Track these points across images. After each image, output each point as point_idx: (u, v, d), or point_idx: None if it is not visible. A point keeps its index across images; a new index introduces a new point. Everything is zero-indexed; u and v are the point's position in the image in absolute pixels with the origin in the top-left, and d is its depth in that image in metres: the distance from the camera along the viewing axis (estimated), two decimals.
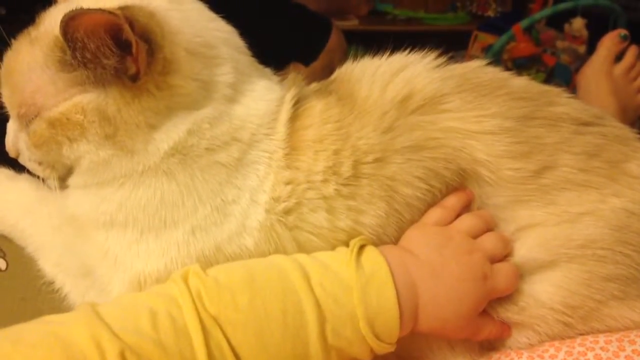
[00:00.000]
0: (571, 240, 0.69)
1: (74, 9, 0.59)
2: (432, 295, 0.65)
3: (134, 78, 0.63)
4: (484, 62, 0.78)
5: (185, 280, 0.61)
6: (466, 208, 0.72)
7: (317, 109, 0.72)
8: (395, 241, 0.70)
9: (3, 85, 0.70)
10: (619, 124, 0.78)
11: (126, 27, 0.59)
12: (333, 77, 0.79)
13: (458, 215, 0.71)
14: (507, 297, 0.70)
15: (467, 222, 0.71)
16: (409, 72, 0.74)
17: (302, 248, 0.68)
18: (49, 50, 0.65)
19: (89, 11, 0.59)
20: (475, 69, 0.77)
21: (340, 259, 0.64)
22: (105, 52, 0.62)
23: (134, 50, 0.61)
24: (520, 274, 0.70)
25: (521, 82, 0.76)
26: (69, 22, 0.59)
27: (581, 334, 0.69)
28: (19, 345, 0.52)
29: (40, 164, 0.71)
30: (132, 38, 0.60)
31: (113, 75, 0.63)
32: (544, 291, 0.69)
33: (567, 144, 0.72)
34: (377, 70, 0.75)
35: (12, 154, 0.73)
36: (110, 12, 0.59)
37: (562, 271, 0.69)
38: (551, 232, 0.70)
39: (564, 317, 0.68)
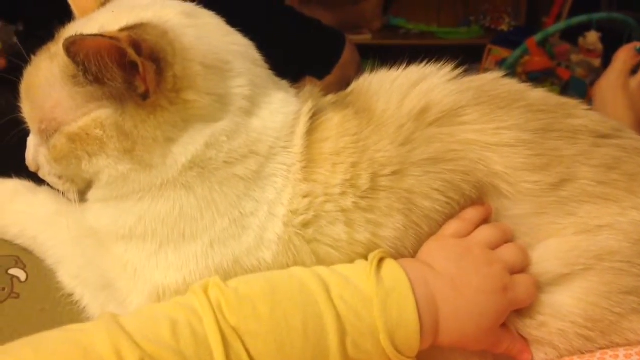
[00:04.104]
0: (588, 251, 0.68)
1: (74, 34, 0.60)
2: (452, 308, 0.65)
3: (144, 96, 0.64)
4: (500, 74, 0.78)
5: (206, 291, 0.61)
6: (484, 221, 0.72)
7: (334, 121, 0.72)
8: (414, 254, 0.70)
9: (24, 101, 0.71)
10: (637, 136, 0.78)
11: (130, 50, 0.60)
12: (350, 89, 0.79)
13: (476, 228, 0.71)
14: (526, 312, 0.69)
15: (485, 233, 0.70)
16: (425, 84, 0.74)
17: (321, 261, 0.68)
18: (64, 66, 0.65)
19: (89, 37, 0.60)
20: (492, 81, 0.76)
21: (360, 272, 0.64)
22: (108, 75, 0.63)
23: (140, 70, 0.62)
24: (539, 286, 0.69)
25: (539, 94, 0.76)
26: (70, 47, 0.61)
27: (601, 348, 0.68)
28: (40, 352, 0.53)
29: (60, 178, 0.72)
30: (138, 60, 0.61)
31: (126, 92, 0.64)
32: (564, 304, 0.68)
33: (585, 156, 0.71)
34: (394, 83, 0.75)
35: (32, 168, 0.74)
36: (111, 37, 0.60)
37: (581, 283, 0.68)
38: (569, 243, 0.69)
39: (584, 331, 0.67)
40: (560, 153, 0.71)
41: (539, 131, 0.71)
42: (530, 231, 0.71)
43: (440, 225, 0.71)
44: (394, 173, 0.68)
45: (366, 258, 0.67)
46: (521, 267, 0.70)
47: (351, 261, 0.68)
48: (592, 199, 0.70)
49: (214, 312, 0.58)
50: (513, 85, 0.76)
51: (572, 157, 0.71)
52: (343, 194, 0.68)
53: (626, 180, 0.71)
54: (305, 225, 0.68)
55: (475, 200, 0.71)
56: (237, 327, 0.58)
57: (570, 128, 0.73)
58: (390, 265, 0.65)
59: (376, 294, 0.62)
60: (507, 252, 0.70)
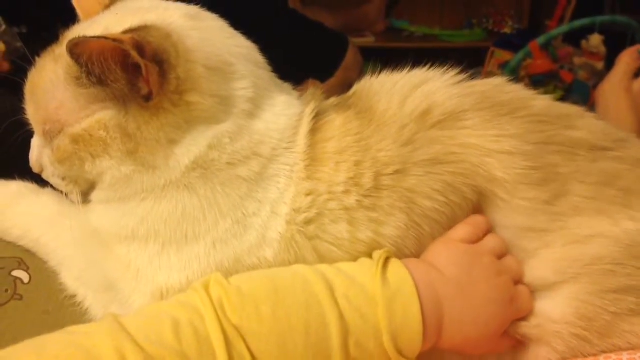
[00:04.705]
0: (578, 260, 0.68)
1: (78, 36, 0.61)
2: (458, 314, 0.65)
3: (147, 98, 0.64)
4: (505, 79, 0.77)
5: (207, 288, 0.61)
6: (489, 229, 0.72)
7: (337, 122, 0.72)
8: (415, 254, 0.70)
9: (28, 102, 0.71)
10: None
11: (133, 53, 0.60)
12: (352, 91, 0.79)
13: (484, 235, 0.71)
14: (522, 318, 0.70)
15: (493, 242, 0.71)
16: (428, 87, 0.74)
17: (322, 258, 0.68)
18: (68, 67, 0.66)
19: (92, 39, 0.60)
20: (496, 86, 0.76)
21: (365, 272, 0.64)
22: (111, 76, 0.63)
23: (144, 72, 0.62)
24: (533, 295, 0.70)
25: (542, 104, 0.75)
26: (73, 49, 0.61)
27: (603, 352, 0.67)
28: (43, 355, 0.53)
29: (63, 179, 0.72)
30: (141, 62, 0.61)
31: (129, 94, 0.65)
32: (555, 307, 0.69)
33: (582, 172, 0.71)
34: (396, 84, 0.75)
35: (35, 170, 0.74)
36: (115, 40, 0.60)
37: (571, 287, 0.68)
38: (559, 254, 0.69)
39: (579, 331, 0.67)
40: (557, 170, 0.70)
41: (539, 144, 0.71)
42: (521, 242, 0.71)
43: (442, 227, 0.71)
44: (396, 172, 0.69)
45: (368, 256, 0.67)
46: (521, 279, 0.70)
47: (352, 259, 0.68)
48: (585, 212, 0.70)
49: (216, 311, 0.58)
50: (517, 93, 0.76)
51: (569, 174, 0.71)
52: (346, 192, 0.68)
53: (623, 195, 0.71)
54: (308, 222, 0.68)
55: (476, 205, 0.71)
56: (239, 326, 0.58)
57: (570, 142, 0.72)
58: (396, 265, 0.65)
59: (381, 295, 0.62)
60: (513, 263, 0.70)
